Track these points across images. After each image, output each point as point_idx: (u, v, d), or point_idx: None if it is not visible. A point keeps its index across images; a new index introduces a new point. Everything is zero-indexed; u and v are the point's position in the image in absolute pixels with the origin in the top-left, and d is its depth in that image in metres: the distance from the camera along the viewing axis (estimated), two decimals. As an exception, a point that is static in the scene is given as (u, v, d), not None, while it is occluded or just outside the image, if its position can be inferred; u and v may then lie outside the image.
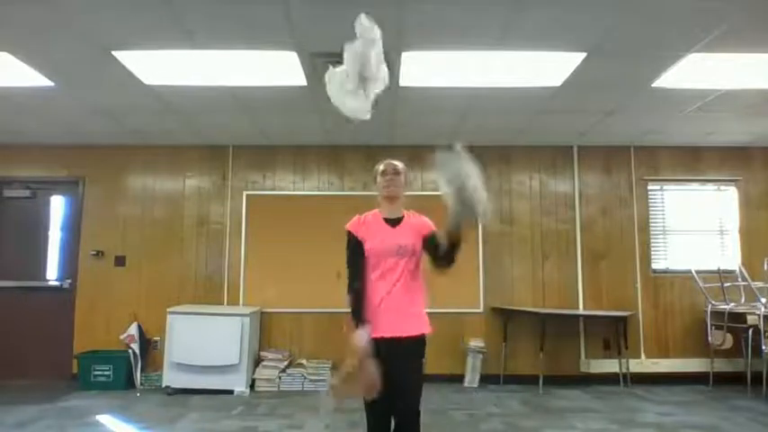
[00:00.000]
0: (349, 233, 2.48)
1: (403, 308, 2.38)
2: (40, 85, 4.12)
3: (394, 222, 2.49)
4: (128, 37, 3.37)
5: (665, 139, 5.67)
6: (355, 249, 2.45)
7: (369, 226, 2.48)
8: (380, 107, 4.59)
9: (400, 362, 2.31)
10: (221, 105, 4.62)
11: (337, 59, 2.28)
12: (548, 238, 5.85)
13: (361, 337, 2.27)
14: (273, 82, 4.10)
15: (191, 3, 2.95)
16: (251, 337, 5.27)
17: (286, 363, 5.44)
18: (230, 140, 5.85)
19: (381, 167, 2.54)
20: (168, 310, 5.23)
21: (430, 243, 2.41)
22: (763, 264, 5.30)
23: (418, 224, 2.51)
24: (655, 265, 5.86)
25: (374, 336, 2.31)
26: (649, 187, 5.97)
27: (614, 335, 5.50)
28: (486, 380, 5.47)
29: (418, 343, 2.40)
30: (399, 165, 2.54)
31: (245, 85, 4.20)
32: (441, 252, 2.33)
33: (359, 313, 2.33)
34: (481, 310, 5.70)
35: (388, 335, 2.32)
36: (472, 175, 2.12)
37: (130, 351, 5.33)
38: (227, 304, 5.69)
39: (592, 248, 5.84)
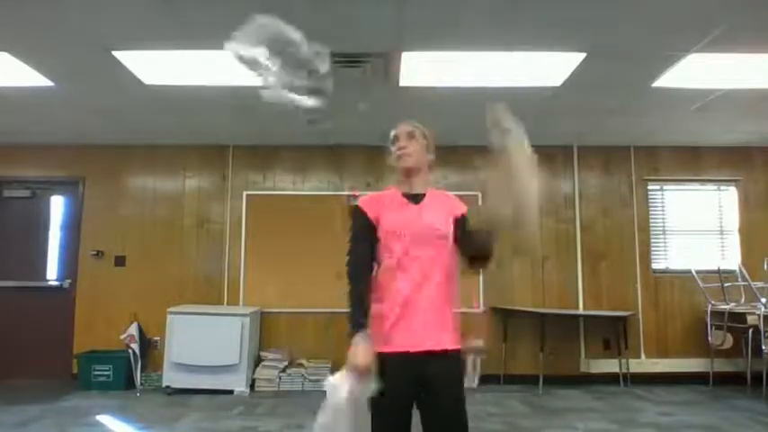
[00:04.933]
0: (357, 210, 1.92)
1: (434, 312, 1.82)
2: (40, 85, 4.11)
3: (416, 198, 1.93)
4: (128, 37, 3.37)
5: (665, 139, 5.67)
6: (361, 233, 1.89)
7: (383, 202, 1.92)
8: (381, 107, 4.64)
9: (436, 386, 1.78)
10: (221, 105, 4.62)
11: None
12: (548, 239, 5.85)
13: (362, 348, 1.72)
14: (273, 82, 4.10)
15: (191, 3, 2.95)
16: (251, 337, 5.27)
17: (286, 363, 5.44)
18: (230, 140, 5.85)
19: (393, 133, 2.00)
20: (168, 310, 5.22)
21: (464, 229, 1.85)
22: (763, 264, 5.30)
23: (447, 202, 1.97)
24: (655, 265, 5.86)
25: (388, 350, 1.76)
26: (649, 187, 5.97)
27: (614, 335, 5.50)
28: (486, 380, 5.46)
29: (458, 360, 1.84)
30: (414, 126, 1.99)
31: (245, 85, 4.18)
32: (478, 242, 1.80)
33: (357, 314, 1.77)
34: (481, 310, 5.70)
35: (413, 349, 1.77)
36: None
37: (130, 351, 5.31)
38: (227, 304, 5.68)
39: (592, 248, 5.84)
